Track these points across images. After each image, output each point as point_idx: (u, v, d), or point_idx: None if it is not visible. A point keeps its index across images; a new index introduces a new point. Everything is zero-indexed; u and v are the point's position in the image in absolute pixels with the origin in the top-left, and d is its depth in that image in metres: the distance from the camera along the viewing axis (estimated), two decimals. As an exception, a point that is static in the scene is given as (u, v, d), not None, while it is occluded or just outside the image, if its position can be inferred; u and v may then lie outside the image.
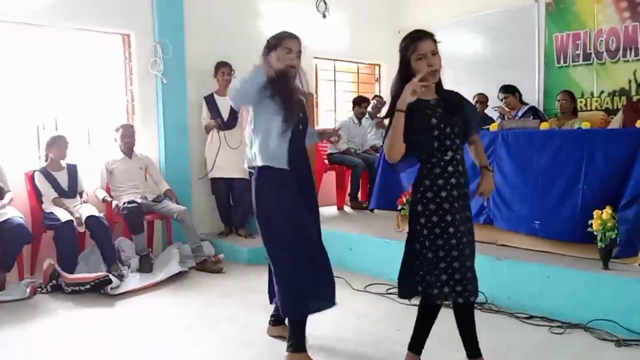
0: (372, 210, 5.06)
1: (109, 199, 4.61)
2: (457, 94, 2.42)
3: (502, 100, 5.63)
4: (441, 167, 2.31)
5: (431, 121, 2.31)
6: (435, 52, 2.30)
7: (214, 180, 5.33)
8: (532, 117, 5.07)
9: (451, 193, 2.31)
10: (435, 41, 2.31)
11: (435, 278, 2.30)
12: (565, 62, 5.97)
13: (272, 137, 2.66)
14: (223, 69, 5.25)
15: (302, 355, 2.71)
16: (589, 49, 5.76)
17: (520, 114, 5.43)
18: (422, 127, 2.30)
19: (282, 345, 2.98)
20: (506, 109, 5.57)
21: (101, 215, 4.37)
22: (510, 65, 6.27)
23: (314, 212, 2.82)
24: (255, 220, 2.79)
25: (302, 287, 2.66)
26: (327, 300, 2.73)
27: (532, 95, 6.05)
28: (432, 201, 2.31)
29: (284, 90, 2.67)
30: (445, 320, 2.54)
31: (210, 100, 5.30)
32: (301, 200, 2.71)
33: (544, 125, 4.04)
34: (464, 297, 2.31)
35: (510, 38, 6.37)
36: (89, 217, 4.26)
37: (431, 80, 2.30)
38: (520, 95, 5.63)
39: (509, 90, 5.58)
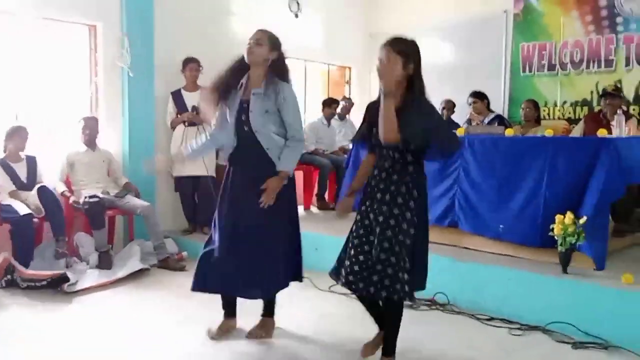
0: None
1: (68, 193, 4.49)
2: (418, 106, 2.40)
3: (470, 105, 5.72)
4: (381, 162, 2.52)
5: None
6: (384, 60, 2.39)
7: (178, 178, 5.25)
8: (497, 124, 5.17)
9: (378, 186, 2.50)
10: (392, 49, 2.39)
11: (342, 256, 2.63)
12: (530, 71, 6.11)
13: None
14: (191, 64, 5.17)
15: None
16: (554, 60, 5.92)
17: (486, 121, 5.53)
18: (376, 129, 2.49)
19: (242, 343, 2.96)
20: (474, 113, 5.66)
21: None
22: (477, 73, 6.38)
23: (244, 207, 2.88)
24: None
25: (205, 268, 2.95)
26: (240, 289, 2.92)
27: (498, 102, 6.16)
28: (365, 189, 2.60)
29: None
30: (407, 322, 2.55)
31: (177, 96, 5.22)
32: (230, 195, 2.90)
33: (509, 132, 4.12)
34: (352, 288, 2.56)
35: (478, 46, 6.48)
36: (40, 187, 4.22)
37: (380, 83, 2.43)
38: (489, 102, 5.74)
39: (478, 96, 5.68)
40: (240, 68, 2.91)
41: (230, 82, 2.91)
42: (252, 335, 3.05)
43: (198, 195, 5.24)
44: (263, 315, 3.11)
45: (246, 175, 2.88)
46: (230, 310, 3.11)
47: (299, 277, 3.11)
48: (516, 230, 3.69)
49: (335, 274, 2.65)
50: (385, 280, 2.42)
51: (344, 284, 2.57)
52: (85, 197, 4.36)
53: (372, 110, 2.52)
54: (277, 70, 2.89)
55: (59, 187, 4.52)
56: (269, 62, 2.87)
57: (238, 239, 2.86)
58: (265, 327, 3.08)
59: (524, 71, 6.15)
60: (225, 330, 3.08)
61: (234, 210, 2.89)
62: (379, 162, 2.54)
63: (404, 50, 2.40)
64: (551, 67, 5.95)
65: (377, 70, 2.41)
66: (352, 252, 2.53)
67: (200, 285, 2.96)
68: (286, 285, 3.00)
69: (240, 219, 2.87)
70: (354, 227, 2.59)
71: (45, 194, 4.22)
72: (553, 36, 5.93)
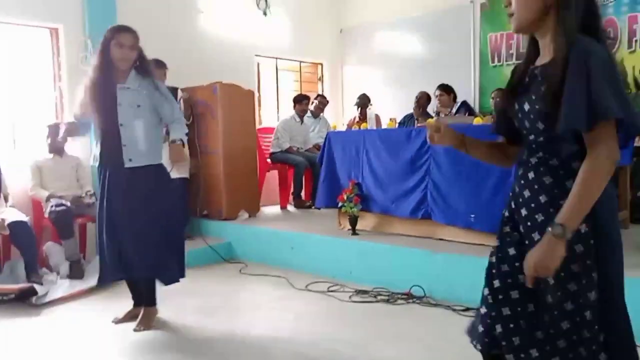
0: (319, 208, 5.02)
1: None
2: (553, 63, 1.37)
3: (437, 97, 5.75)
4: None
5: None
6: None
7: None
8: (466, 112, 5.21)
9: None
10: None
11: None
12: (499, 61, 6.16)
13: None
14: (159, 71, 5.03)
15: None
16: (522, 49, 5.95)
17: (454, 110, 5.57)
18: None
19: (214, 348, 2.91)
20: (440, 106, 5.70)
21: (26, 219, 4.13)
22: (447, 64, 6.40)
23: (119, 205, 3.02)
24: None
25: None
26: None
27: (468, 92, 6.21)
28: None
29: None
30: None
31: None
32: (107, 195, 3.03)
33: (477, 121, 4.12)
34: None
35: (447, 38, 6.50)
36: (14, 223, 4.01)
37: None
38: (455, 96, 5.76)
39: (444, 89, 5.70)
40: (106, 67, 2.99)
41: (104, 83, 2.96)
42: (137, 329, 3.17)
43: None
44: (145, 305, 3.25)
45: (113, 174, 3.03)
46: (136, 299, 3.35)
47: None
48: (487, 218, 3.68)
49: None
50: None
51: None
52: (52, 207, 4.25)
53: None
54: (141, 64, 3.08)
55: (42, 194, 4.38)
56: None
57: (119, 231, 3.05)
58: (146, 317, 3.22)
59: (492, 61, 6.19)
60: (131, 317, 3.28)
61: (113, 210, 3.04)
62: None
63: None
64: (519, 57, 5.98)
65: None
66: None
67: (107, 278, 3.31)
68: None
69: (119, 216, 3.02)
70: None
71: (19, 229, 3.99)
72: (520, 25, 5.96)
